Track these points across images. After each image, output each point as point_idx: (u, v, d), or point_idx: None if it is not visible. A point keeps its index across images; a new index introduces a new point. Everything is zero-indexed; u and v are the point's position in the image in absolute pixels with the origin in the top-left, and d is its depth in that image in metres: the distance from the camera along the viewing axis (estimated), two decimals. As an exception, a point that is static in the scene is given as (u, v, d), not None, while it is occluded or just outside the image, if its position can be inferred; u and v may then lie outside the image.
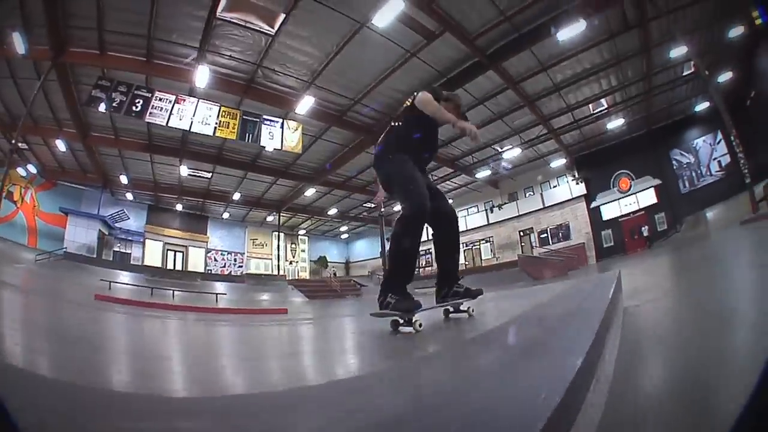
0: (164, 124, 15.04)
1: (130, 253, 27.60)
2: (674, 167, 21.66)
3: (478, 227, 29.86)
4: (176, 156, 21.03)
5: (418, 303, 2.59)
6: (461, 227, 15.16)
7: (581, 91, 18.24)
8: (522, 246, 27.00)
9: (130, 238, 27.93)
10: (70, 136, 19.12)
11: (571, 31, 12.82)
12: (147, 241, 28.60)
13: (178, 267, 29.19)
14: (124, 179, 24.02)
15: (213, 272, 30.15)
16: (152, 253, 28.50)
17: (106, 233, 26.27)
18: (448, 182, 27.42)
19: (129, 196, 27.02)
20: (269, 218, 32.42)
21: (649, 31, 14.12)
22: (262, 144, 16.94)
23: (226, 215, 31.68)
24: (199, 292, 18.59)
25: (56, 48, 13.22)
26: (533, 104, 18.27)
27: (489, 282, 18.13)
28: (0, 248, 19.67)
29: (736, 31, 14.40)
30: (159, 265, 27.80)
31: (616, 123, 20.82)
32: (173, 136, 19.29)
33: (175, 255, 29.79)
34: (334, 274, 35.00)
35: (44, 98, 16.38)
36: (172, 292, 17.24)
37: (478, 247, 30.04)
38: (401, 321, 2.63)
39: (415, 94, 3.00)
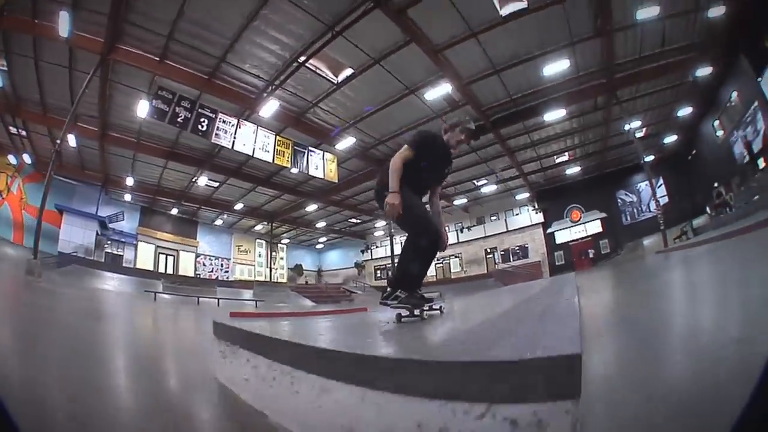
0: (230, 147, 16.20)
1: (122, 255, 26.93)
2: (619, 204, 27.65)
3: (448, 244, 34.12)
4: (198, 166, 22.15)
5: (427, 300, 3.18)
6: None
7: (550, 147, 23.42)
8: (487, 262, 31.94)
9: (123, 240, 27.22)
10: (85, 132, 18.40)
11: (554, 115, 18.12)
12: (140, 243, 28.21)
13: (169, 270, 28.95)
14: (129, 181, 23.69)
15: (201, 277, 30.59)
16: (144, 256, 28.15)
17: (99, 233, 25.22)
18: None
19: (127, 197, 26.67)
20: (258, 227, 34.33)
21: (610, 112, 19.33)
22: (310, 173, 19.30)
23: (219, 222, 32.75)
24: (239, 300, 20.06)
25: (110, 42, 12.77)
26: (513, 154, 23.07)
27: (470, 289, 21.93)
28: None
29: (684, 111, 20.34)
30: (151, 268, 27.47)
31: (573, 170, 26.46)
32: (201, 147, 20.38)
33: (166, 258, 29.67)
34: (306, 282, 38.00)
35: (67, 88, 15.59)
36: (217, 300, 18.44)
37: (448, 262, 34.66)
38: (404, 314, 3.15)
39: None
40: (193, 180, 24.09)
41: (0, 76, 15.21)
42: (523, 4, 12.69)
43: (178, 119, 14.77)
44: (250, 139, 16.86)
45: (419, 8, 12.22)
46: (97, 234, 24.91)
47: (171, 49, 13.60)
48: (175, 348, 4.41)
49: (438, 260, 34.33)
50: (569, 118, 19.87)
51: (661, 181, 25.66)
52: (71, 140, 18.56)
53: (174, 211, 29.79)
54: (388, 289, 3.10)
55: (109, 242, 26.35)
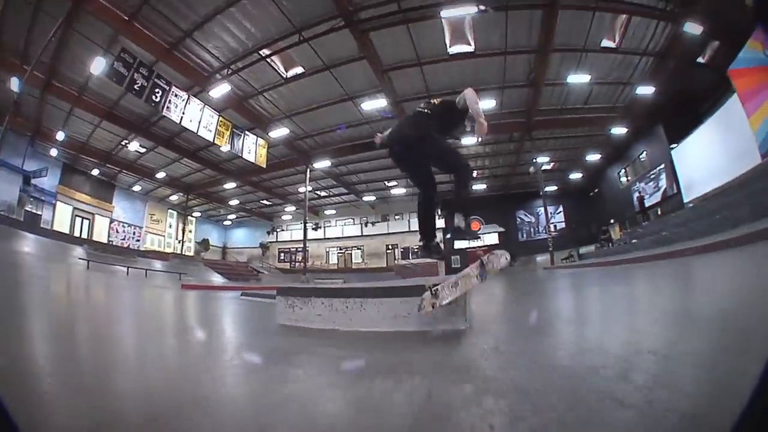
0: (178, 121, 16.56)
1: (41, 215, 24.83)
2: (517, 222, 32.21)
3: (352, 236, 37.07)
4: (132, 131, 21.87)
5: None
6: (338, 234, 34.35)
7: None
8: (387, 256, 34.83)
9: (43, 198, 25.02)
10: (32, 77, 16.00)
11: (471, 140, 20.71)
12: (58, 203, 26.14)
13: (84, 235, 27.27)
14: (60, 135, 22.03)
15: (114, 244, 29.16)
16: (62, 218, 26.22)
17: (22, 189, 23.16)
18: (336, 197, 34.32)
19: (53, 151, 24.51)
20: (173, 197, 34.01)
21: (523, 145, 22.89)
22: (243, 156, 20.33)
23: (137, 188, 31.85)
24: (162, 271, 20.50)
25: None
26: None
27: (372, 278, 24.42)
28: None
29: (593, 157, 24.60)
30: (67, 231, 25.67)
31: (479, 186, 30.03)
32: (138, 113, 20.23)
33: (82, 222, 28.03)
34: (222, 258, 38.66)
35: (26, 28, 14.42)
36: (145, 272, 18.60)
37: (350, 252, 37.19)
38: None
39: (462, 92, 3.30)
40: (125, 144, 23.66)
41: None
42: (470, 48, 15.36)
43: (135, 86, 14.83)
44: (196, 117, 17.39)
45: (381, 33, 14.20)
46: (20, 190, 23.00)
47: (142, 12, 13.44)
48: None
49: (340, 250, 37.28)
50: (483, 144, 23.12)
51: (561, 208, 30.97)
52: (14, 84, 16.76)
53: (95, 172, 28.34)
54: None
55: (31, 199, 24.30)
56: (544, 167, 26.01)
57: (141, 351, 2.70)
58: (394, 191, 31.79)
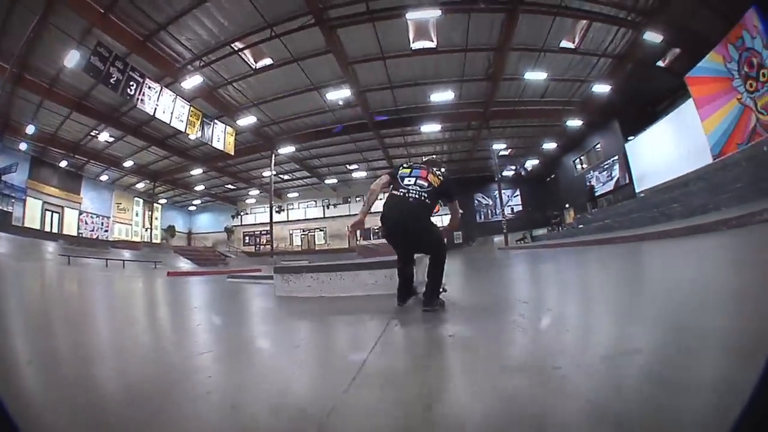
0: (151, 113, 16.98)
1: (11, 212, 23.94)
2: (475, 204, 34.05)
3: (315, 218, 38.71)
4: (104, 122, 21.84)
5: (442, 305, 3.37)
6: (301, 216, 36.85)
7: (421, 149, 28.38)
8: (348, 237, 35.74)
9: (12, 195, 24.07)
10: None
11: (430, 128, 22.55)
12: (28, 198, 25.34)
13: (55, 230, 26.89)
14: (30, 129, 21.58)
15: (84, 236, 28.87)
16: (32, 214, 25.54)
17: None
18: (299, 180, 35.36)
19: (22, 145, 23.74)
20: (139, 185, 33.99)
21: (480, 133, 24.41)
22: (213, 145, 21.12)
23: (105, 177, 31.42)
24: (139, 261, 21.03)
25: None
26: (386, 149, 27.55)
27: (335, 258, 26.08)
28: None
29: (549, 145, 26.25)
30: (38, 226, 25.36)
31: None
32: (108, 102, 20.10)
33: (52, 216, 27.42)
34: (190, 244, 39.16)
35: None
36: (123, 262, 19.14)
37: (313, 234, 38.74)
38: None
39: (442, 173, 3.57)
40: (96, 134, 23.57)
41: None
42: (433, 45, 16.60)
43: (111, 80, 15.01)
44: (169, 108, 17.79)
45: (349, 29, 15.14)
46: None
47: (118, 5, 13.55)
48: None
49: (304, 232, 38.96)
50: (443, 131, 24.59)
51: (517, 192, 33.11)
52: None
53: (63, 164, 27.72)
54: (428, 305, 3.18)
55: (1, 197, 23.45)
56: (502, 153, 27.86)
57: (188, 333, 3.12)
58: (356, 174, 33.21)
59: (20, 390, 1.50)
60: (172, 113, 18.03)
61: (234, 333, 3.02)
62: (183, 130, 19.05)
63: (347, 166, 31.73)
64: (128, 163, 28.59)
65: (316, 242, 38.30)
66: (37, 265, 13.67)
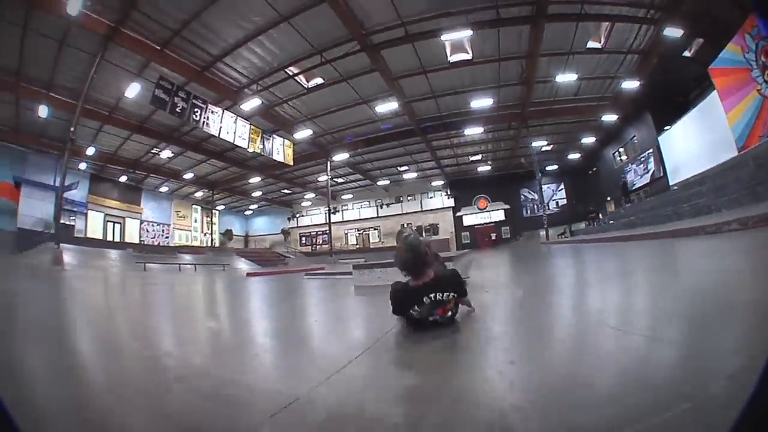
0: (216, 134, 18.40)
1: (74, 225, 26.24)
2: (521, 199, 34.45)
3: (369, 218, 39.92)
4: (165, 141, 23.74)
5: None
6: (356, 216, 38.68)
7: (466, 149, 29.24)
8: (402, 235, 37.64)
9: (74, 209, 26.48)
10: (61, 104, 17.89)
11: (473, 131, 23.35)
12: (89, 212, 27.86)
13: (117, 238, 28.98)
14: (90, 151, 23.61)
15: (145, 243, 30.72)
16: (94, 225, 27.93)
17: (56, 205, 21.39)
18: (353, 183, 36.63)
19: (82, 165, 25.99)
20: (197, 194, 36.03)
21: (520, 132, 25.01)
22: (273, 157, 22.61)
23: (164, 189, 33.60)
24: (206, 264, 21.81)
25: (116, 25, 13.45)
26: (434, 151, 28.50)
27: (388, 256, 27.58)
28: None
29: (588, 140, 26.50)
30: (100, 237, 27.33)
31: (484, 168, 32.56)
32: (168, 123, 21.53)
33: (114, 226, 29.80)
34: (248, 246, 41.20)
35: (52, 60, 15.53)
36: (194, 266, 20.64)
37: (368, 233, 39.99)
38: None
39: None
40: (157, 152, 25.64)
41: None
42: (468, 57, 17.48)
43: (177, 109, 16.32)
44: (231, 128, 19.19)
45: (391, 50, 16.22)
46: (56, 206, 21.37)
47: (173, 42, 14.73)
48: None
49: (359, 231, 40.24)
50: (486, 132, 25.26)
51: (562, 185, 33.27)
52: (41, 111, 17.99)
53: (123, 179, 30.09)
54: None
55: (63, 213, 23.27)
56: (544, 149, 28.22)
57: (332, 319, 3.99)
58: (406, 176, 34.44)
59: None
60: (234, 133, 19.47)
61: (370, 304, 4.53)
62: (245, 147, 20.46)
63: (398, 168, 32.89)
64: (188, 175, 30.49)
65: (371, 240, 39.68)
66: (122, 270, 15.38)
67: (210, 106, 18.00)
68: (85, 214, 27.67)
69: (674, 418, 0.98)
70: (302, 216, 43.79)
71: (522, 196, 35.13)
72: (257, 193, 38.04)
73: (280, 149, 22.97)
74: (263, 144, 21.65)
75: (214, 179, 32.92)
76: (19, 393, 1.48)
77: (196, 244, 35.74)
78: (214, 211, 38.04)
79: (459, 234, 35.59)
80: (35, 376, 1.92)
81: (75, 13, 12.18)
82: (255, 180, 32.46)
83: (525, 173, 33.10)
